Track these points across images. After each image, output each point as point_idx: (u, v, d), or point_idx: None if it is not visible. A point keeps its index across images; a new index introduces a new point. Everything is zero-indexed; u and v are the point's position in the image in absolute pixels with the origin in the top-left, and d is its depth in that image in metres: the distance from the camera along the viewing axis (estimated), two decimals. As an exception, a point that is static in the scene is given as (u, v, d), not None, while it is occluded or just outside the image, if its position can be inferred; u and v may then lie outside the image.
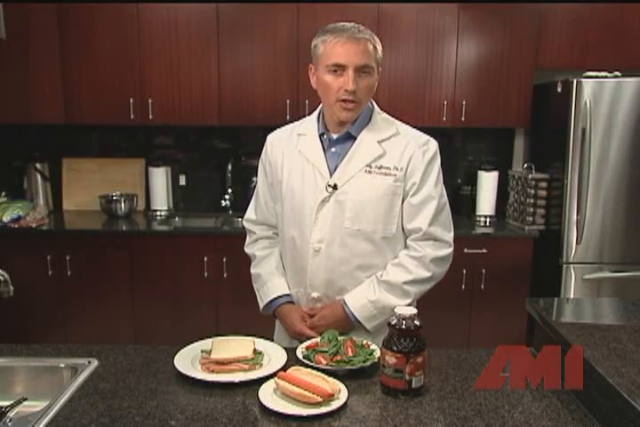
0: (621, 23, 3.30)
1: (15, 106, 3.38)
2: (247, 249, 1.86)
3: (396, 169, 1.61)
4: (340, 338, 1.53)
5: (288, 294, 1.74)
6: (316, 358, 1.44)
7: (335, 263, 1.64)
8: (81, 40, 3.33)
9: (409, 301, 1.63)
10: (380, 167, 1.61)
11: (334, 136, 1.65)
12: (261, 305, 1.78)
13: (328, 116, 1.65)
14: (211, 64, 3.35)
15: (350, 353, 1.44)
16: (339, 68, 1.53)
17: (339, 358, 1.43)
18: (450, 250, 1.66)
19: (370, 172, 1.61)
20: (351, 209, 1.61)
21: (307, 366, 1.41)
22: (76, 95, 3.39)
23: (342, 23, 1.56)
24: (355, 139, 1.64)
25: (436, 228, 1.63)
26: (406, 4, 3.29)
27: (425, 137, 1.67)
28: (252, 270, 1.82)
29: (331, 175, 1.63)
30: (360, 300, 1.62)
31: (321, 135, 1.67)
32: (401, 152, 1.62)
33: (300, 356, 1.47)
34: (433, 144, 1.66)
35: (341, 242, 1.63)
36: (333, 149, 1.65)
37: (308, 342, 1.54)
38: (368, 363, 1.42)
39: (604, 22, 3.30)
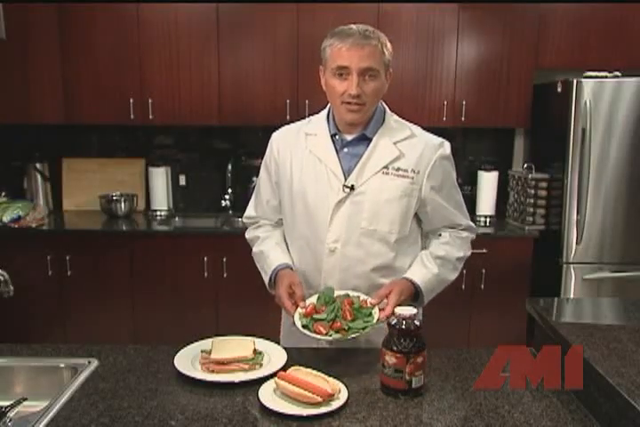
0: (621, 23, 3.30)
1: (15, 106, 3.38)
2: (248, 234, 1.85)
3: (413, 171, 1.63)
4: (336, 294, 1.52)
5: (287, 263, 1.69)
6: (316, 327, 1.43)
7: (350, 263, 1.64)
8: (81, 40, 3.33)
9: (457, 275, 1.72)
10: (398, 169, 1.62)
11: (348, 137, 1.65)
12: (267, 281, 1.72)
13: (338, 117, 1.65)
14: (211, 64, 3.35)
15: (349, 317, 1.44)
16: (343, 72, 1.54)
17: (338, 325, 1.43)
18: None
19: (387, 173, 1.62)
20: (369, 210, 1.62)
21: (309, 337, 1.42)
22: (76, 95, 3.39)
23: (350, 26, 1.56)
24: (369, 140, 1.64)
25: (467, 220, 1.76)
26: (406, 4, 3.29)
27: (439, 139, 1.69)
28: (255, 249, 1.79)
29: (344, 176, 1.63)
30: (425, 274, 1.64)
31: (333, 136, 1.67)
32: (417, 155, 1.63)
33: (298, 325, 1.46)
34: (447, 145, 1.69)
35: (357, 242, 1.63)
36: (346, 150, 1.65)
37: (305, 306, 1.51)
38: (367, 330, 1.42)
39: (604, 22, 3.30)
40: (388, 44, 1.59)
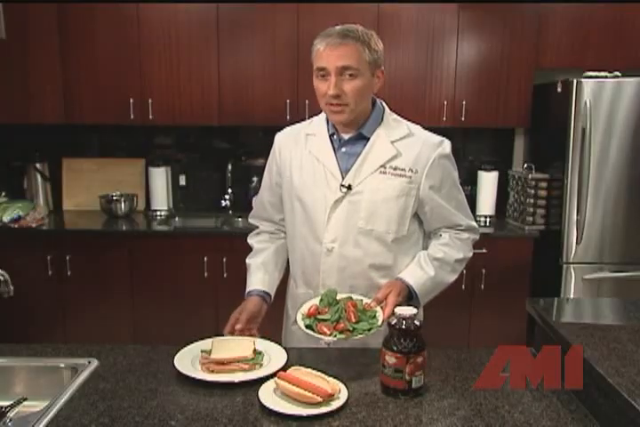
0: (621, 23, 3.30)
1: (15, 106, 3.38)
2: (249, 239, 1.88)
3: (411, 171, 1.62)
4: (338, 297, 1.51)
5: (261, 290, 1.71)
6: (319, 327, 1.42)
7: (348, 263, 1.65)
8: (81, 40, 3.33)
9: (456, 277, 1.70)
10: (395, 168, 1.62)
11: (345, 137, 1.65)
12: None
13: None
14: (211, 64, 3.35)
15: (353, 319, 1.43)
16: (324, 73, 1.54)
17: (342, 326, 1.42)
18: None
19: (384, 172, 1.61)
20: (366, 209, 1.61)
21: (311, 336, 1.42)
22: (76, 95, 3.39)
23: (334, 27, 1.55)
24: (367, 139, 1.64)
25: (468, 221, 1.72)
26: (406, 4, 3.29)
27: (438, 138, 1.67)
28: (247, 260, 1.82)
29: (342, 175, 1.63)
30: (421, 276, 1.63)
31: (331, 136, 1.67)
32: (416, 154, 1.62)
33: (301, 325, 1.45)
34: (447, 144, 1.67)
35: (354, 242, 1.63)
36: (344, 150, 1.65)
37: (307, 307, 1.51)
38: (372, 331, 1.42)
39: (604, 22, 3.30)
40: (375, 43, 1.56)
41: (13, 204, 3.40)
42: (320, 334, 1.41)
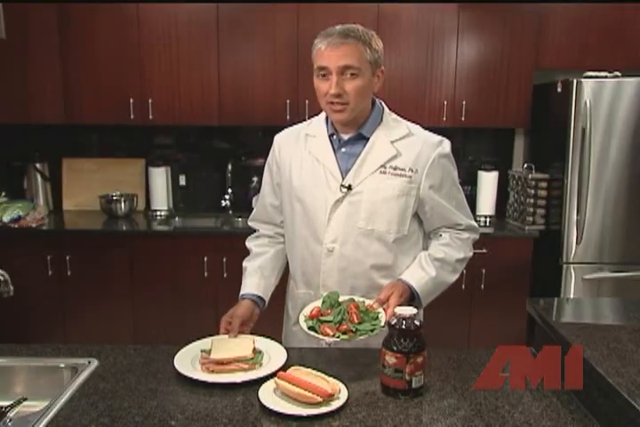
0: (621, 23, 3.30)
1: (15, 106, 3.38)
2: (247, 242, 1.87)
3: (411, 171, 1.62)
4: (340, 299, 1.51)
5: (254, 294, 1.71)
6: (322, 328, 1.42)
7: (348, 263, 1.64)
8: (81, 40, 3.33)
9: (457, 277, 1.70)
10: (395, 168, 1.61)
11: (345, 137, 1.65)
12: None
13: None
14: (211, 64, 3.35)
15: (356, 320, 1.43)
16: (325, 72, 1.54)
17: (344, 327, 1.42)
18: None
19: (384, 172, 1.61)
20: (366, 209, 1.61)
21: (313, 337, 1.41)
22: (76, 95, 3.39)
23: (335, 27, 1.55)
24: (366, 139, 1.64)
25: (469, 220, 1.72)
26: (406, 4, 3.29)
27: (438, 138, 1.67)
28: (244, 263, 1.82)
29: (342, 176, 1.63)
30: (423, 277, 1.63)
31: (331, 136, 1.67)
32: (416, 154, 1.62)
33: (304, 327, 1.45)
34: (446, 144, 1.67)
35: (355, 242, 1.63)
36: (344, 150, 1.65)
37: (310, 309, 1.51)
38: (375, 332, 1.41)
39: (603, 22, 3.30)
40: (375, 43, 1.56)
41: (13, 204, 3.40)
42: (324, 335, 1.41)
